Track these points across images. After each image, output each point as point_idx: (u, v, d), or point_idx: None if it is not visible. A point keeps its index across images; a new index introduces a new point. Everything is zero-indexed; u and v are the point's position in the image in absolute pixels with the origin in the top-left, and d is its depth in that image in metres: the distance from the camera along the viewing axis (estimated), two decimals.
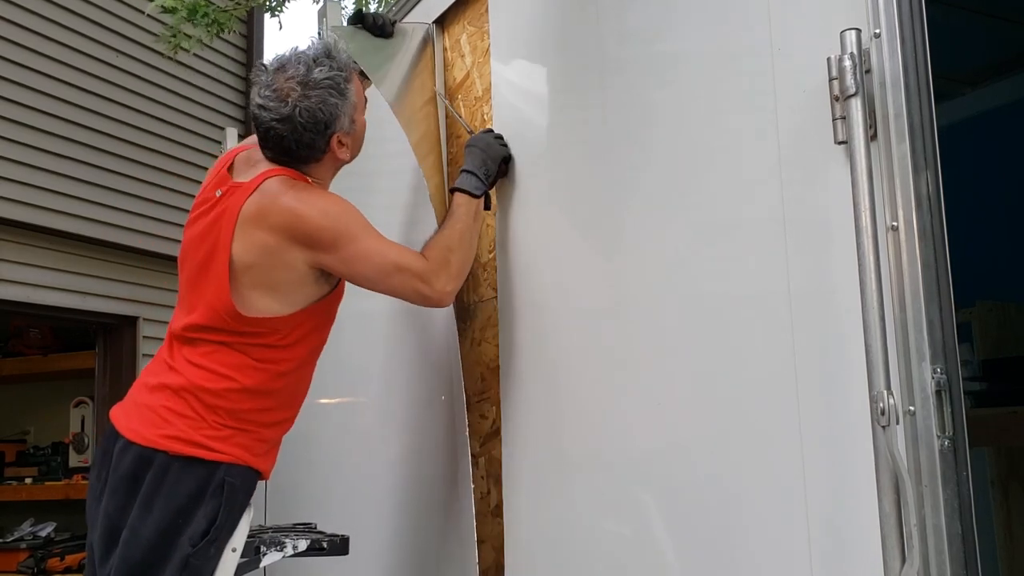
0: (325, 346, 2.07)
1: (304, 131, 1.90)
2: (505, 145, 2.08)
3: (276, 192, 1.89)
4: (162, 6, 4.25)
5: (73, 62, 5.69)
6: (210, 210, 1.94)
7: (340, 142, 1.98)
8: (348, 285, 2.02)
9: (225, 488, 1.83)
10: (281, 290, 1.89)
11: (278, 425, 1.98)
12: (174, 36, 4.33)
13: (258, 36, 7.13)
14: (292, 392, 2.00)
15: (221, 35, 4.73)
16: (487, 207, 2.11)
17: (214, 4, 4.55)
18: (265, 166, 1.95)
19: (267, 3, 4.90)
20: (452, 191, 2.06)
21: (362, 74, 2.11)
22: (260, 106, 1.91)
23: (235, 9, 4.44)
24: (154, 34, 5.03)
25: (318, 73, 1.90)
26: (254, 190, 1.89)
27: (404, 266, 1.93)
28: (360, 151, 2.08)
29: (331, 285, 1.97)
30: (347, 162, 2.04)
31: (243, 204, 1.88)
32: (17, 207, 5.28)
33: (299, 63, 1.91)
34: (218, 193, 1.94)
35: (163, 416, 1.85)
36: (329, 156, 1.98)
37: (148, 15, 4.68)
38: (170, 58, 4.86)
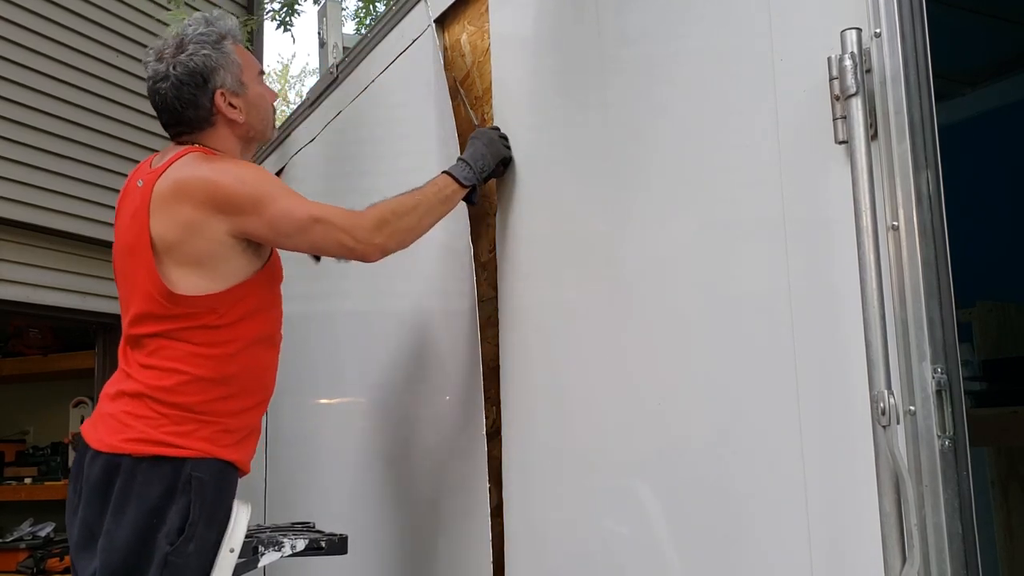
0: (324, 345, 2.06)
1: (183, 85, 1.95)
2: (508, 147, 2.07)
3: (189, 166, 1.91)
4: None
5: (73, 62, 5.69)
6: (132, 202, 1.94)
7: (228, 102, 1.98)
8: (347, 286, 2.02)
9: (193, 483, 1.81)
10: (207, 264, 1.86)
11: (244, 413, 1.94)
12: None
13: (258, 36, 7.14)
14: (250, 377, 1.96)
15: None
16: (471, 202, 2.08)
17: None
18: (176, 150, 1.98)
19: (277, 17, 4.92)
20: (443, 172, 2.05)
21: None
22: (148, 77, 1.99)
23: (244, 26, 4.46)
24: (156, 35, 5.03)
25: (191, 31, 1.98)
26: (166, 170, 1.90)
27: (324, 218, 1.89)
28: (269, 125, 2.08)
29: (261, 260, 1.95)
30: (252, 133, 2.04)
31: (156, 184, 1.89)
32: (17, 207, 5.29)
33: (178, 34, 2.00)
34: (139, 183, 1.95)
35: (124, 421, 1.85)
36: (221, 119, 1.99)
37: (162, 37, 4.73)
38: None
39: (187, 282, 1.86)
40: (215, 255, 1.87)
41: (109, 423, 1.88)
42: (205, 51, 1.96)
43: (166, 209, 1.87)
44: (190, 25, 2.00)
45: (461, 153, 2.10)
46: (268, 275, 1.99)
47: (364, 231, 1.90)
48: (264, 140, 2.11)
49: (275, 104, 2.13)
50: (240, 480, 2.24)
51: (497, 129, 2.10)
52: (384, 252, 1.95)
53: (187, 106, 1.97)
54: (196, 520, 1.80)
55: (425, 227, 2.01)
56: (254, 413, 1.99)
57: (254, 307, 1.94)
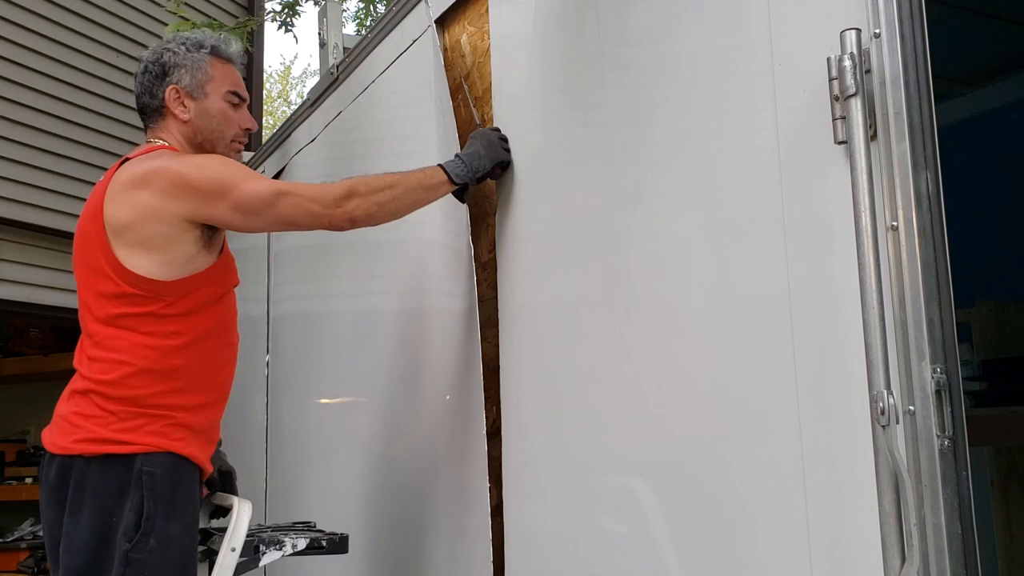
0: (316, 346, 2.06)
1: (145, 74, 2.07)
2: (508, 150, 2.07)
3: (151, 159, 1.95)
4: (178, 29, 4.29)
5: (73, 62, 5.70)
6: (94, 195, 1.98)
7: (178, 98, 2.04)
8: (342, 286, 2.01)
9: (144, 478, 1.79)
10: (157, 247, 1.86)
11: (197, 410, 1.92)
12: None
13: (259, 37, 7.14)
14: (199, 372, 1.93)
15: None
16: (462, 199, 2.08)
17: (226, 24, 4.59)
18: (142, 148, 2.05)
19: (278, 18, 4.93)
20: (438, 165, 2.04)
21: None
22: None
23: (244, 27, 4.47)
24: (155, 35, 5.04)
25: (172, 38, 2.11)
26: (125, 162, 1.96)
27: (290, 191, 1.91)
28: (219, 139, 2.08)
29: (212, 256, 1.95)
30: (198, 137, 2.06)
31: (115, 174, 1.94)
32: (17, 207, 5.29)
33: None
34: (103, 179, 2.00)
35: (73, 423, 1.86)
36: (169, 113, 2.05)
37: (161, 37, 4.76)
38: None
39: (137, 263, 1.86)
40: (167, 239, 1.86)
41: (62, 425, 1.89)
42: (175, 50, 2.06)
43: (123, 194, 1.89)
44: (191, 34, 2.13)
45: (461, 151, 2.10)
46: (219, 272, 1.97)
47: (332, 198, 1.89)
48: (212, 151, 2.08)
49: (247, 130, 2.13)
50: (240, 480, 2.24)
51: (498, 131, 2.10)
52: (353, 221, 1.92)
53: (144, 93, 2.08)
54: (152, 515, 1.78)
55: (401, 208, 1.99)
56: (208, 412, 1.96)
57: (204, 302, 1.93)
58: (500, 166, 2.06)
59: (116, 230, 1.88)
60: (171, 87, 2.04)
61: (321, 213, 1.89)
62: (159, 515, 1.79)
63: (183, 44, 2.07)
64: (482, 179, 2.07)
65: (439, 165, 2.03)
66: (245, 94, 2.15)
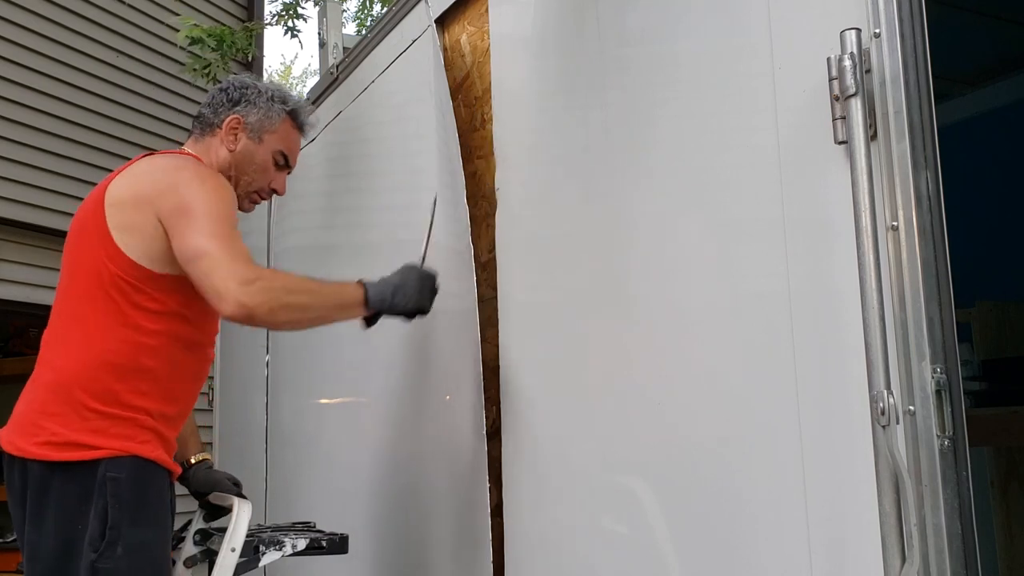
0: (323, 349, 2.05)
1: (222, 92, 2.11)
2: (432, 301, 1.97)
3: (154, 158, 1.98)
4: (189, 36, 4.30)
5: (73, 62, 5.70)
6: (96, 190, 1.97)
7: (235, 129, 2.07)
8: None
9: (108, 484, 1.73)
10: (138, 232, 1.82)
11: (160, 419, 1.85)
12: (207, 67, 4.40)
13: (259, 37, 7.14)
14: (170, 379, 1.87)
15: (238, 58, 4.79)
16: (367, 324, 1.97)
17: (234, 29, 4.59)
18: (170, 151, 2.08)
19: (282, 23, 4.92)
20: (359, 281, 1.92)
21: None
22: None
23: (250, 31, 4.47)
24: (156, 35, 5.04)
25: (267, 83, 2.16)
26: (131, 165, 1.97)
27: (214, 254, 1.74)
28: (246, 185, 2.07)
29: None
30: (231, 170, 2.04)
31: (120, 172, 1.95)
32: (17, 207, 5.29)
33: None
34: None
35: (36, 422, 1.80)
36: (219, 136, 2.07)
37: (163, 38, 4.75)
38: (180, 78, 4.95)
39: (123, 239, 1.82)
40: (146, 227, 1.82)
41: (23, 424, 1.83)
42: (261, 91, 2.11)
43: (123, 181, 1.90)
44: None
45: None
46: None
47: (239, 284, 1.71)
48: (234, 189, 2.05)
49: (272, 191, 2.14)
50: (240, 480, 2.23)
51: (435, 278, 2.00)
52: (246, 312, 1.72)
53: (209, 106, 2.11)
54: (117, 523, 1.72)
55: (307, 318, 1.89)
56: (171, 423, 1.89)
57: (181, 306, 1.86)
58: (417, 312, 1.94)
59: (110, 209, 1.85)
60: (236, 116, 2.07)
61: (222, 293, 1.72)
62: (125, 522, 1.73)
63: (270, 90, 2.12)
64: (394, 315, 1.94)
65: (361, 283, 1.91)
66: (294, 162, 2.16)
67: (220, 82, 2.15)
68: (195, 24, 4.34)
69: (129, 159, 2.01)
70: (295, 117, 2.13)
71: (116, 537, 1.72)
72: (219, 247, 1.76)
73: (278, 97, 2.11)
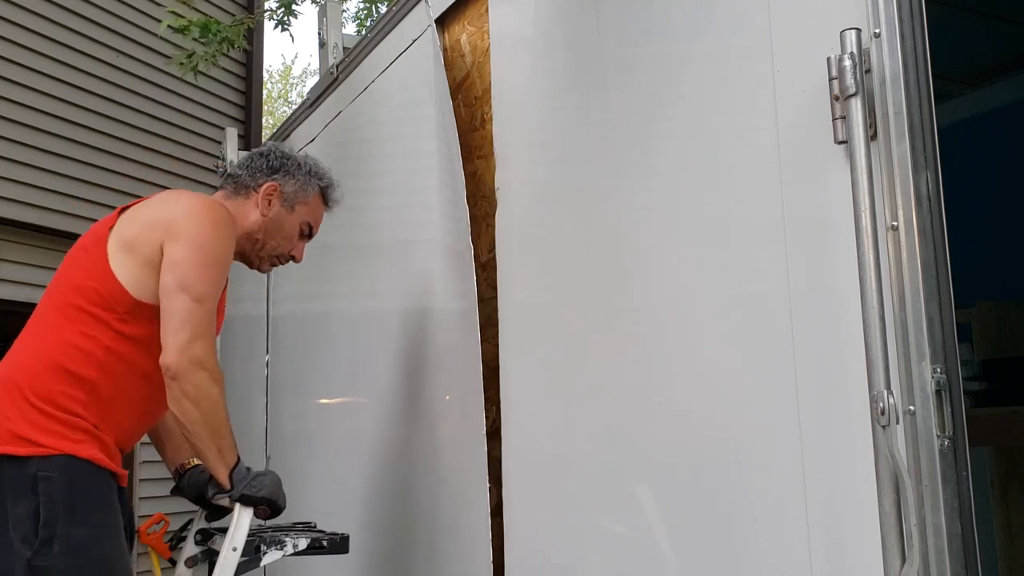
0: (319, 352, 2.05)
1: (262, 157, 2.19)
2: (280, 511, 1.96)
3: (170, 191, 2.05)
4: (171, 26, 4.26)
5: (73, 62, 5.70)
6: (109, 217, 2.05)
7: (271, 195, 2.15)
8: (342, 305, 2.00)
9: (40, 483, 1.75)
10: (136, 252, 1.90)
11: (93, 431, 1.84)
12: (190, 58, 4.35)
13: (259, 37, 7.15)
14: (111, 401, 1.88)
15: (229, 53, 4.74)
16: (222, 504, 1.96)
17: (222, 22, 4.55)
18: None
19: (275, 17, 4.90)
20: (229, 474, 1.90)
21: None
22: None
23: (242, 24, 4.44)
24: (155, 34, 5.03)
25: (305, 157, 2.25)
26: (169, 193, 2.06)
27: (194, 312, 1.84)
28: (267, 251, 2.17)
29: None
30: (257, 233, 2.14)
31: (135, 204, 2.04)
32: (17, 207, 5.29)
33: None
34: None
35: None
36: (253, 198, 2.15)
37: (159, 36, 4.70)
38: (179, 78, 4.90)
39: (116, 260, 1.90)
40: (145, 249, 1.90)
41: None
42: (300, 164, 2.20)
43: (133, 211, 1.99)
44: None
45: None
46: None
47: (196, 351, 1.82)
48: (254, 250, 2.16)
49: (291, 258, 2.23)
50: None
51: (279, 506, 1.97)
52: (171, 375, 1.81)
53: (246, 168, 2.19)
54: (52, 521, 1.73)
55: (194, 428, 1.85)
56: (103, 441, 1.86)
57: (148, 336, 1.88)
58: (269, 510, 1.93)
59: (115, 231, 1.94)
60: (274, 183, 2.15)
61: (172, 343, 1.82)
62: (61, 520, 1.74)
63: (307, 164, 2.22)
64: (241, 502, 1.91)
65: (239, 463, 1.92)
66: (316, 232, 2.27)
67: (208, 75, 2.19)
68: (175, 13, 4.28)
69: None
70: (325, 194, 2.25)
71: (51, 535, 1.73)
72: (200, 309, 1.86)
73: (315, 172, 2.22)
